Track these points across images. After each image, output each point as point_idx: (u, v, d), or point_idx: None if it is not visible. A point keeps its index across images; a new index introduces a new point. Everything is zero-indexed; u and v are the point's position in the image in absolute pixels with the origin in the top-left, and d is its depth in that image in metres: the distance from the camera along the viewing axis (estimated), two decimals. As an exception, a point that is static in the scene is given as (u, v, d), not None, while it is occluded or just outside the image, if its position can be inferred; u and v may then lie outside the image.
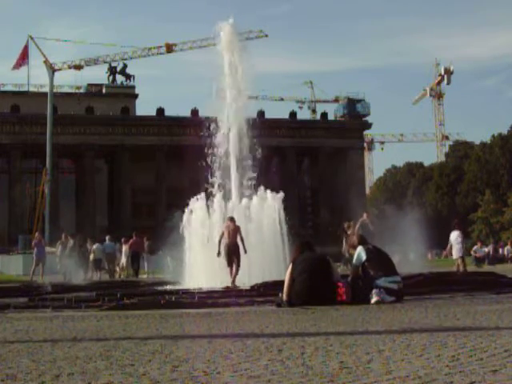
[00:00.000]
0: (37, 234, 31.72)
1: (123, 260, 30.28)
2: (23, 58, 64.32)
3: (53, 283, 18.45)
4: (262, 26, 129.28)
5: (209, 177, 17.91)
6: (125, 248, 30.27)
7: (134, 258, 29.31)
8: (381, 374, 2.97)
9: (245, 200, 17.31)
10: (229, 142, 18.20)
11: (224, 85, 18.50)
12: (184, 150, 55.26)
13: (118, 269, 30.53)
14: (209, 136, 18.17)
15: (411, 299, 9.06)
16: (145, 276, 28.07)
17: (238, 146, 18.14)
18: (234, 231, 15.41)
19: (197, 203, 17.21)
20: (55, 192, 60.55)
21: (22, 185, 63.79)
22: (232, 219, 15.63)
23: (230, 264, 15.31)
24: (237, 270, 15.18)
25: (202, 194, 17.31)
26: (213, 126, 18.17)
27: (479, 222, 78.42)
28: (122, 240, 31.07)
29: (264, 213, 17.04)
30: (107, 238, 30.72)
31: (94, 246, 29.47)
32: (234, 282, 14.74)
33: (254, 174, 17.88)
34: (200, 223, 16.93)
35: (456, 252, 21.81)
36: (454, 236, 21.84)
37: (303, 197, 72.39)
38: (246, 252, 15.43)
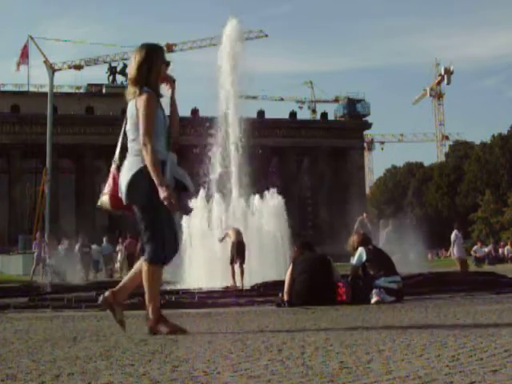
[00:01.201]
0: (38, 234, 31.85)
1: (120, 260, 30.52)
2: (23, 57, 64.31)
3: (53, 283, 18.46)
4: (262, 26, 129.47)
5: (209, 176, 17.92)
6: (121, 248, 30.53)
7: (130, 259, 29.60)
8: (381, 374, 2.97)
9: (244, 199, 17.32)
10: (229, 141, 18.21)
11: (224, 83, 18.51)
12: (184, 149, 55.30)
13: (118, 269, 30.67)
14: (209, 136, 18.18)
15: (411, 299, 9.06)
16: None
17: (238, 146, 18.15)
18: (240, 232, 15.50)
19: (196, 203, 17.21)
20: (55, 192, 60.53)
21: (22, 185, 63.80)
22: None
23: (232, 262, 15.30)
24: (242, 270, 15.21)
25: (202, 194, 17.31)
26: (213, 125, 18.19)
27: (479, 222, 78.44)
28: (120, 240, 31.30)
29: (264, 212, 17.06)
30: (104, 239, 30.86)
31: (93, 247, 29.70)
32: (242, 281, 14.76)
33: (254, 174, 17.90)
34: (199, 223, 16.95)
35: (455, 252, 21.87)
36: (452, 236, 22.02)
37: (303, 197, 72.40)
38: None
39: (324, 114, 78.86)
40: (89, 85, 75.21)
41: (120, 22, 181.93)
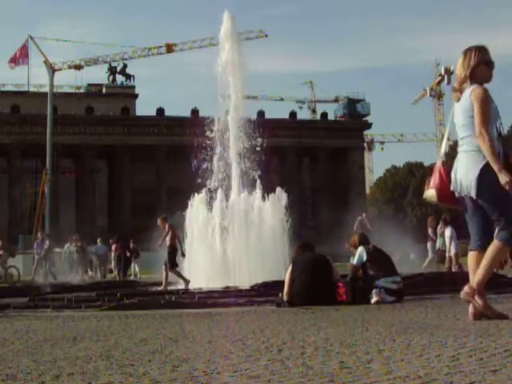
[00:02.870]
0: (39, 233, 31.94)
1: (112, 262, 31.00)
2: (21, 57, 64.18)
3: (53, 283, 18.47)
4: (262, 26, 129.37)
5: (209, 176, 17.90)
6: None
7: (118, 261, 30.16)
8: (381, 374, 2.97)
9: (245, 199, 17.29)
10: (229, 141, 18.19)
11: (224, 83, 18.47)
12: (184, 149, 55.31)
13: (113, 269, 30.97)
14: (209, 136, 18.16)
15: (411, 299, 9.06)
16: (132, 277, 28.37)
17: (239, 146, 18.13)
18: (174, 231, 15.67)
19: (197, 203, 17.20)
20: (55, 192, 60.51)
21: (22, 185, 63.77)
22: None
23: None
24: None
25: (203, 194, 17.29)
26: (213, 125, 18.16)
27: (479, 221, 78.31)
28: (110, 242, 31.64)
29: (264, 212, 17.03)
30: (98, 240, 31.23)
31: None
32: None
33: (255, 174, 17.87)
34: (200, 223, 16.92)
35: (453, 248, 21.41)
36: (449, 232, 21.30)
37: (303, 197, 72.34)
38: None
39: (324, 114, 78.81)
40: (89, 85, 75.13)
41: (120, 21, 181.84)
